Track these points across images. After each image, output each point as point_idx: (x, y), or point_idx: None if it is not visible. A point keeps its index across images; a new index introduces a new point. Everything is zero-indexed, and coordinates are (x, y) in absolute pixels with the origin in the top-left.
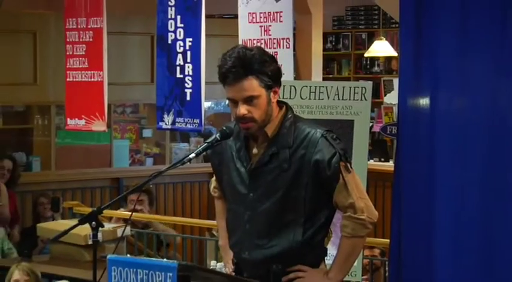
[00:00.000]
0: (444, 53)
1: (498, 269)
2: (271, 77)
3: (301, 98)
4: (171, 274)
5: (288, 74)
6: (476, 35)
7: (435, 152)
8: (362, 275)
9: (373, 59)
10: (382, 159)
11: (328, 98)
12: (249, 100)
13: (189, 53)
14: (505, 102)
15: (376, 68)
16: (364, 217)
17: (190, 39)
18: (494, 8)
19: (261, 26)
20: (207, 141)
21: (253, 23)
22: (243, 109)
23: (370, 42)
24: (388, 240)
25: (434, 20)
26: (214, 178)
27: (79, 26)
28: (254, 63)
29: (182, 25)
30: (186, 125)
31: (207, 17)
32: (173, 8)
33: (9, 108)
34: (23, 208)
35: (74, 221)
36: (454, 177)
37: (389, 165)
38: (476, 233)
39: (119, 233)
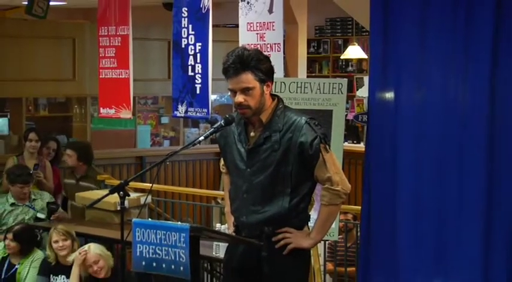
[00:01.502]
0: (405, 57)
1: (450, 229)
2: (265, 73)
3: (290, 92)
4: (184, 234)
5: (278, 72)
6: (432, 42)
7: (397, 135)
8: (338, 235)
9: (347, 61)
10: (355, 142)
11: (312, 92)
12: (246, 90)
13: (198, 55)
14: (453, 95)
15: (350, 68)
16: (339, 189)
17: (200, 44)
18: (447, 22)
19: (257, 34)
20: (214, 126)
21: (251, 31)
22: (240, 98)
23: (345, 47)
24: (359, 207)
25: (398, 30)
26: (222, 158)
27: (109, 33)
28: (251, 61)
29: (193, 32)
30: (196, 113)
31: (213, 26)
32: (186, 19)
33: (53, 100)
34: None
35: (106, 191)
36: (412, 156)
37: (361, 147)
38: (431, 201)
39: (142, 200)
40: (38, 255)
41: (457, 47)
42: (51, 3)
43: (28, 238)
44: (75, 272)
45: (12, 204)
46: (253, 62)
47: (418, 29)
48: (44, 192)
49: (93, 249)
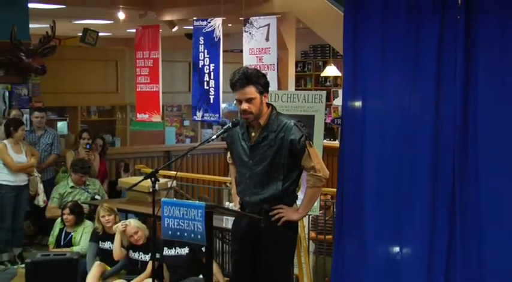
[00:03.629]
0: (370, 75)
1: (404, 205)
2: (263, 86)
3: (282, 101)
4: (201, 211)
5: (273, 86)
6: (389, 63)
7: (364, 135)
8: (319, 211)
9: (326, 78)
10: (332, 139)
11: (298, 101)
12: (249, 100)
13: (212, 73)
14: (407, 104)
15: (328, 83)
16: (321, 175)
17: (213, 65)
18: (400, 49)
19: (257, 57)
20: (224, 128)
21: (252, 54)
22: (245, 106)
23: (324, 67)
24: (335, 189)
25: (364, 54)
26: (229, 152)
27: (144, 57)
28: (253, 77)
29: (208, 56)
30: (210, 118)
31: (223, 51)
32: (202, 46)
33: (102, 108)
34: (110, 169)
35: (141, 177)
36: (375, 150)
37: (336, 143)
38: (390, 184)
39: (169, 184)
40: (88, 224)
41: (408, 68)
42: (100, 34)
43: (79, 211)
44: (117, 238)
45: (72, 187)
46: (255, 78)
47: (379, 54)
48: (96, 180)
49: (133, 223)
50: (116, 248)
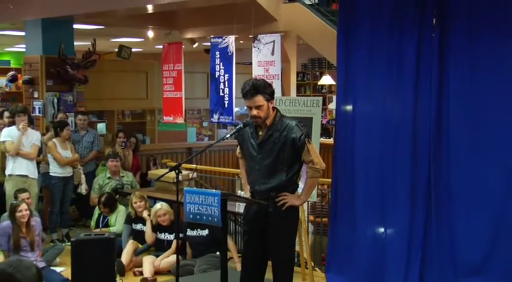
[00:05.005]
0: (359, 83)
1: (388, 193)
2: (269, 94)
3: (285, 105)
4: (217, 198)
5: (278, 93)
6: (375, 74)
7: (354, 133)
8: (317, 197)
9: (322, 86)
10: (327, 137)
11: (299, 105)
12: (258, 107)
13: (226, 82)
14: (390, 108)
15: (324, 90)
16: (318, 167)
17: (227, 75)
18: (385, 63)
19: (264, 68)
20: (236, 128)
21: (260, 66)
22: (255, 112)
23: (321, 77)
24: (330, 180)
25: (355, 65)
26: (238, 147)
27: (169, 68)
28: (261, 88)
29: (223, 68)
30: (225, 120)
31: (236, 63)
32: (218, 59)
33: (134, 111)
34: (141, 163)
35: (167, 170)
36: (364, 146)
37: (331, 141)
38: (376, 175)
39: (191, 176)
40: (121, 208)
41: (391, 77)
42: (133, 50)
43: (111, 203)
44: (148, 225)
45: (109, 178)
46: (262, 88)
47: (367, 66)
48: (129, 173)
49: (164, 206)
50: (147, 233)
